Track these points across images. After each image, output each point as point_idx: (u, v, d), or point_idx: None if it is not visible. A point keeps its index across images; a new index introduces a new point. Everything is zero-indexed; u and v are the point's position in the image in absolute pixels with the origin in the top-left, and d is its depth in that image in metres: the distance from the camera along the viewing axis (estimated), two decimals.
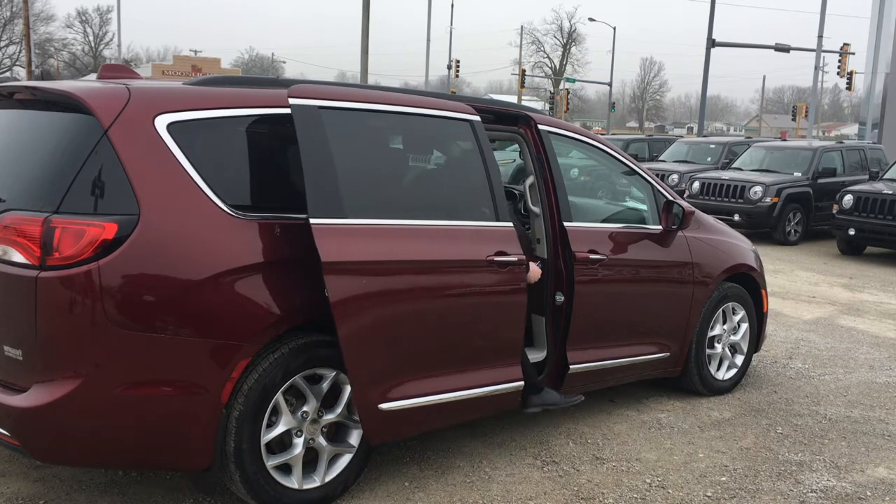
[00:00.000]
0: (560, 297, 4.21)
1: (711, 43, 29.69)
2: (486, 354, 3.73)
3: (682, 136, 28.44)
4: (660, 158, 18.13)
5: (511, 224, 3.80)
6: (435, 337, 3.52)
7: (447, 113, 3.79)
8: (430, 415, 3.58)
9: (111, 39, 65.46)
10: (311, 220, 3.07)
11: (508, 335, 3.79)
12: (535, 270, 4.01)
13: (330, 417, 3.45)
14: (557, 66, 71.71)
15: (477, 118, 3.88)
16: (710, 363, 5.14)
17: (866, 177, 13.01)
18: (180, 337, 2.96)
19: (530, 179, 4.35)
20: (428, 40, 43.73)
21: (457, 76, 48.32)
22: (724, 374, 5.25)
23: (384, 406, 3.33)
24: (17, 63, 56.90)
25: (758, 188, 12.94)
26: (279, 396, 3.25)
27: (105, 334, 2.83)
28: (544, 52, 73.65)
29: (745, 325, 5.33)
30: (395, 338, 3.34)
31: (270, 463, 3.27)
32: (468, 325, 3.64)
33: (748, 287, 5.32)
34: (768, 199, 12.80)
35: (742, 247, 5.36)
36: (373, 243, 3.26)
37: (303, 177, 3.10)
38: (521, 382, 3.86)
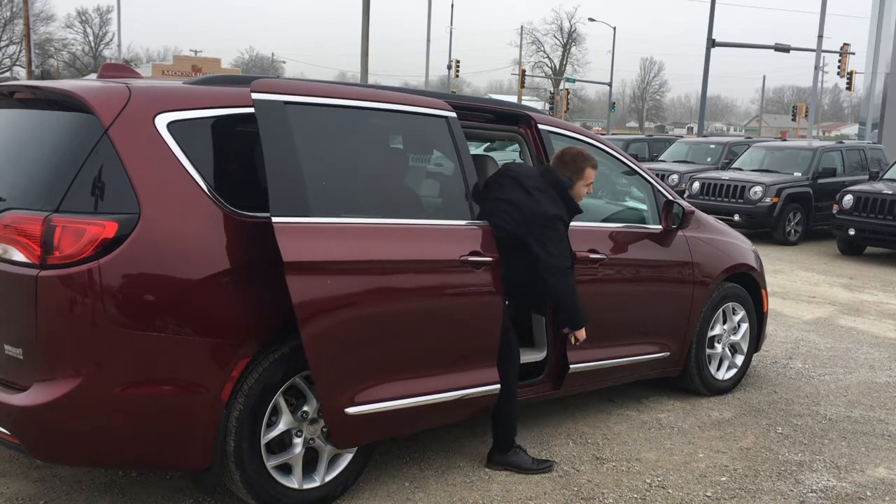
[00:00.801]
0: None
1: (711, 43, 29.69)
2: (459, 357, 3.61)
3: (682, 137, 28.43)
4: (660, 158, 18.14)
5: (487, 223, 3.70)
6: (405, 339, 3.40)
7: (421, 109, 3.67)
8: (401, 419, 3.46)
9: (111, 39, 65.50)
10: (274, 219, 2.97)
11: (483, 337, 3.67)
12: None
13: None
14: (557, 66, 71.71)
15: (453, 114, 3.77)
16: (710, 363, 5.14)
17: (866, 177, 13.02)
18: (180, 336, 2.96)
19: None
20: (428, 40, 43.75)
21: (457, 76, 48.32)
22: (724, 374, 5.25)
23: (351, 410, 3.21)
24: (17, 63, 56.90)
25: (758, 188, 12.94)
26: (279, 396, 3.25)
27: (105, 333, 2.83)
28: (544, 52, 73.74)
29: (745, 325, 5.33)
30: (362, 340, 3.22)
31: (270, 463, 3.27)
32: (441, 328, 3.52)
33: (748, 287, 5.31)
34: (768, 199, 12.80)
35: (742, 247, 5.36)
36: (339, 243, 3.16)
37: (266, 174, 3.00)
38: (498, 385, 3.74)
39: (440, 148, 3.88)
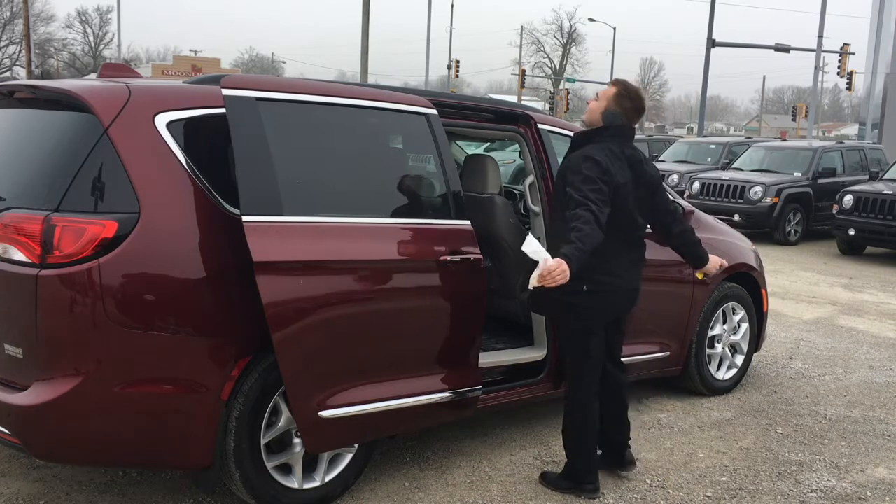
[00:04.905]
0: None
1: (711, 43, 29.68)
2: (439, 359, 3.54)
3: (682, 137, 28.43)
4: (660, 158, 18.13)
5: (468, 222, 3.64)
6: (383, 341, 3.33)
7: (401, 106, 3.58)
8: (377, 422, 3.37)
9: (111, 39, 65.40)
10: (244, 218, 2.91)
11: (464, 339, 3.61)
12: (714, 260, 3.96)
13: None
14: (557, 66, 71.65)
15: (433, 112, 3.70)
16: (710, 363, 5.14)
17: (866, 177, 13.03)
18: (180, 335, 2.96)
19: (530, 179, 4.34)
20: (428, 40, 43.74)
21: (457, 76, 48.30)
22: (724, 374, 5.25)
23: (325, 414, 3.13)
24: (17, 63, 56.86)
25: (758, 188, 12.94)
26: (279, 396, 3.25)
27: (105, 332, 2.83)
28: (544, 52, 73.66)
29: (745, 325, 5.33)
30: (338, 342, 3.16)
31: (270, 463, 3.27)
32: (420, 330, 3.45)
33: (748, 287, 5.31)
34: (768, 199, 12.81)
35: (742, 246, 5.36)
36: (313, 242, 3.09)
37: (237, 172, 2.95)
38: (480, 387, 3.70)
39: (420, 145, 3.81)
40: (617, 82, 3.69)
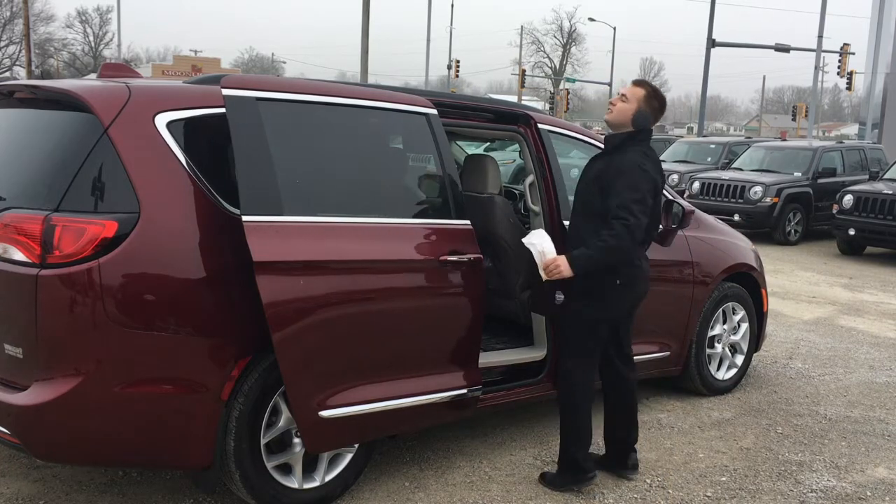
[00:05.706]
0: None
1: (711, 43, 29.69)
2: (440, 359, 3.55)
3: (682, 136, 28.44)
4: (660, 158, 18.12)
5: (468, 222, 3.64)
6: (383, 341, 3.33)
7: (401, 106, 3.59)
8: (377, 422, 3.38)
9: (111, 39, 65.43)
10: (244, 218, 2.92)
11: (464, 339, 3.61)
12: None
13: None
14: (557, 66, 71.68)
15: (433, 111, 3.70)
16: (710, 363, 5.14)
17: (866, 177, 13.02)
18: (180, 335, 2.96)
19: (530, 178, 4.34)
20: (428, 40, 43.74)
21: (457, 76, 48.31)
22: (724, 374, 5.25)
23: (325, 414, 3.14)
24: (17, 63, 56.87)
25: (758, 188, 12.95)
26: (279, 396, 3.25)
27: (105, 332, 2.83)
28: (544, 52, 73.70)
29: (745, 325, 5.33)
30: (338, 342, 3.16)
31: (270, 463, 3.27)
32: (420, 329, 3.45)
33: (748, 287, 5.31)
34: (768, 199, 12.81)
35: (742, 246, 5.36)
36: (313, 242, 3.10)
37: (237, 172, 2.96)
38: (480, 387, 3.70)
39: (420, 145, 3.81)
40: (643, 83, 3.74)
